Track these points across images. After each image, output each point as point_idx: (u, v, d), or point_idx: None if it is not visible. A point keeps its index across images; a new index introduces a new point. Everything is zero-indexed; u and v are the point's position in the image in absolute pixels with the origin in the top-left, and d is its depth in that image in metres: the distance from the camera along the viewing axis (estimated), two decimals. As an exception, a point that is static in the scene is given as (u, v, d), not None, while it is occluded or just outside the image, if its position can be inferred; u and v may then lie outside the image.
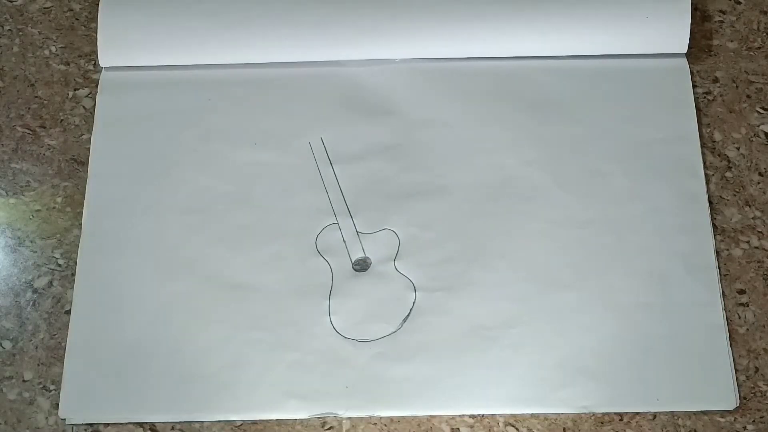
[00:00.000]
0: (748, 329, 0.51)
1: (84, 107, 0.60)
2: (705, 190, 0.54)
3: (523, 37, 0.57)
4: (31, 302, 0.54)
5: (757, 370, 0.51)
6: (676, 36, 0.57)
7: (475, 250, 0.53)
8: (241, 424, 0.51)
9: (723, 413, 0.50)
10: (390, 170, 0.56)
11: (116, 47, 0.58)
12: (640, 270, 0.52)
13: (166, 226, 0.55)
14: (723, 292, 0.52)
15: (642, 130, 0.56)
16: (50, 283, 0.55)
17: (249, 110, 0.58)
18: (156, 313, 0.53)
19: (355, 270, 0.53)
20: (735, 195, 0.55)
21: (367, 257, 0.54)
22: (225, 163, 0.56)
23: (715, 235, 0.54)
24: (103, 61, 0.59)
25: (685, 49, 0.58)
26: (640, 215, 0.54)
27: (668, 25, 0.57)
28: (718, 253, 0.53)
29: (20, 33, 0.62)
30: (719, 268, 0.53)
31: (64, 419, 0.51)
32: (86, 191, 0.56)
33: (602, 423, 0.50)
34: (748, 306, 0.52)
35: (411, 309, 0.52)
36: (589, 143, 0.56)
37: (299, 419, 0.51)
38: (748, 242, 0.54)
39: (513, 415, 0.50)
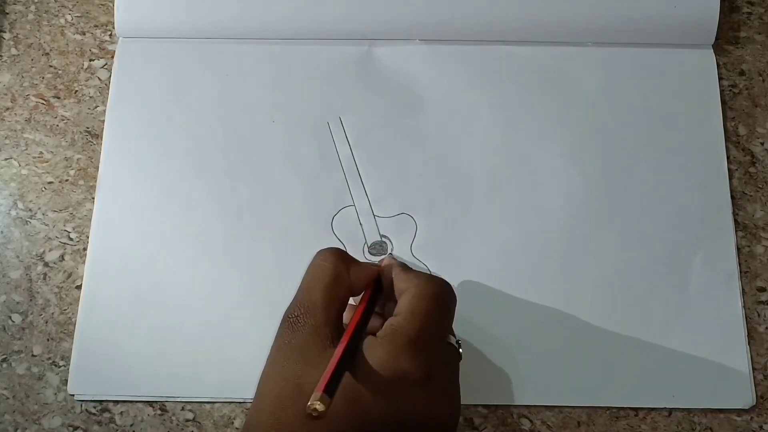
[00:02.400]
0: (767, 328, 0.50)
1: (99, 78, 0.58)
2: (728, 184, 0.53)
3: (549, 22, 0.56)
4: (42, 276, 0.53)
5: (752, 351, 0.50)
6: (704, 27, 0.56)
7: (494, 238, 0.52)
8: (252, 406, 0.50)
9: (739, 412, 0.49)
10: (409, 153, 0.54)
11: (134, 17, 0.56)
12: (659, 264, 0.51)
13: (180, 202, 0.53)
14: (743, 290, 0.51)
15: (665, 121, 0.55)
16: (62, 257, 0.53)
17: (267, 87, 0.56)
18: (169, 291, 0.51)
19: (371, 254, 0.52)
20: (758, 191, 0.54)
21: (384, 241, 0.52)
22: (241, 140, 0.55)
23: (736, 231, 0.52)
24: (120, 31, 0.57)
25: (712, 41, 0.56)
26: (660, 208, 0.53)
27: (696, 15, 0.55)
28: (739, 249, 0.52)
29: (36, 0, 0.60)
30: (740, 265, 0.52)
31: (73, 395, 0.50)
32: (100, 165, 0.55)
33: (617, 418, 0.49)
34: (768, 304, 0.51)
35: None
36: (611, 133, 0.54)
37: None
38: (774, 240, 0.52)
39: (527, 407, 0.49)
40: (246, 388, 0.49)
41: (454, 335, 0.44)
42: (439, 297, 0.42)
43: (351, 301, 0.44)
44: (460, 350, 0.44)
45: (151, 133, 0.55)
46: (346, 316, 0.43)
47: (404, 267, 0.45)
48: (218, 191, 0.53)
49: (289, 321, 0.41)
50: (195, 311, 0.51)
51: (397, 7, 0.56)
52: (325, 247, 0.45)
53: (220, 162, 0.54)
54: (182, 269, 0.52)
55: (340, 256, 0.44)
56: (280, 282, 0.51)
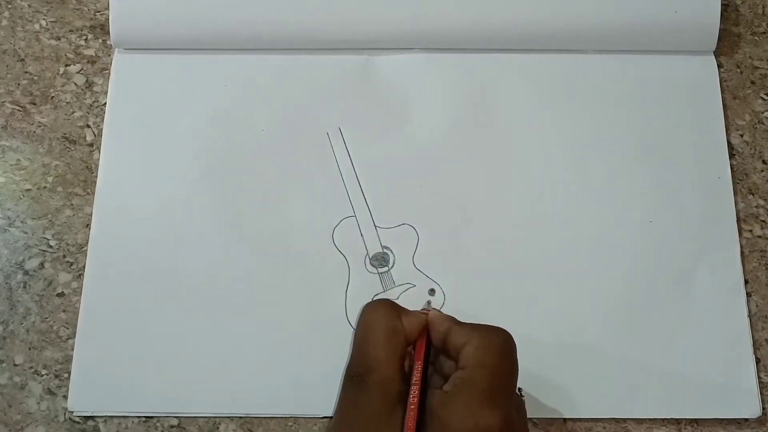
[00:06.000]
0: (750, 319, 0.68)
1: (75, 84, 0.75)
2: (731, 192, 0.71)
3: (549, 30, 0.74)
4: (22, 284, 0.68)
5: (759, 360, 0.67)
6: (705, 33, 0.74)
7: (496, 249, 0.69)
8: (250, 421, 0.65)
9: (747, 422, 0.65)
10: (410, 163, 0.72)
11: (130, 28, 0.73)
12: (663, 274, 0.69)
13: (179, 215, 0.70)
14: (749, 296, 0.68)
15: (667, 128, 0.73)
16: (41, 265, 0.68)
17: (266, 98, 0.74)
18: (169, 305, 0.67)
19: (373, 265, 0.68)
20: (738, 183, 0.72)
21: (386, 253, 0.68)
22: (240, 152, 0.72)
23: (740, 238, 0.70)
24: (116, 42, 0.74)
25: (713, 47, 0.75)
26: (664, 217, 0.70)
27: (697, 21, 0.74)
28: (743, 256, 0.69)
29: (9, 6, 0.77)
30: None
31: (65, 407, 0.65)
32: (98, 178, 0.71)
33: (624, 429, 0.64)
34: (750, 296, 0.69)
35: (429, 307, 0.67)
36: (613, 141, 0.73)
37: (311, 417, 0.65)
38: (750, 231, 0.71)
39: (530, 420, 0.65)
40: (248, 403, 0.65)
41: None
42: (505, 346, 0.56)
43: None
44: (523, 397, 0.59)
45: (149, 145, 0.72)
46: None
47: (456, 320, 0.59)
48: (217, 203, 0.70)
49: (354, 379, 0.56)
50: (194, 326, 0.67)
51: (396, 16, 0.74)
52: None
53: (219, 174, 0.71)
54: (182, 283, 0.68)
55: (390, 306, 0.59)
56: (281, 294, 0.68)
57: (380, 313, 0.57)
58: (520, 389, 0.58)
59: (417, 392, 0.55)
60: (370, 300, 0.67)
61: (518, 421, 0.55)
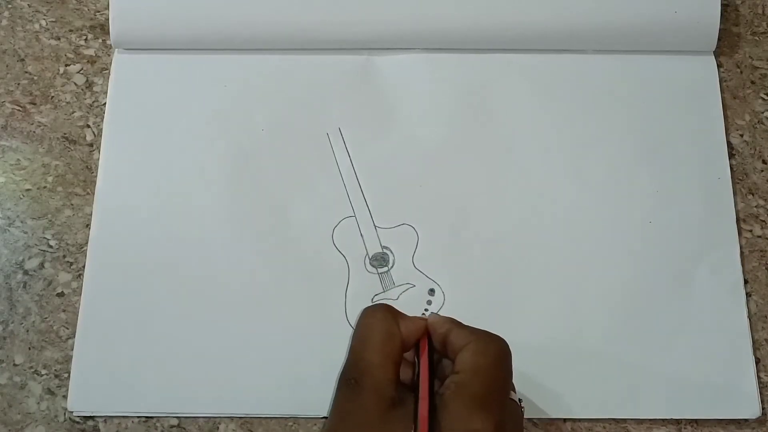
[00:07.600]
0: (750, 320, 0.68)
1: (75, 84, 0.75)
2: (731, 192, 0.71)
3: (549, 30, 0.74)
4: (22, 284, 0.68)
5: (759, 360, 0.67)
6: (705, 33, 0.75)
7: (495, 250, 0.70)
8: (250, 421, 0.65)
9: (746, 422, 0.66)
10: (409, 163, 0.72)
11: (130, 29, 0.74)
12: (663, 274, 0.69)
13: (178, 214, 0.70)
14: (749, 296, 0.69)
15: (667, 129, 0.73)
16: (41, 265, 0.69)
17: (266, 98, 0.74)
18: (168, 305, 0.68)
19: (373, 266, 0.68)
20: (738, 183, 0.73)
21: (386, 253, 0.68)
22: (240, 152, 0.72)
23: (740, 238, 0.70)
24: (116, 43, 0.75)
25: (713, 47, 0.76)
26: (663, 218, 0.71)
27: (697, 22, 0.74)
28: (743, 256, 0.70)
29: (9, 5, 0.78)
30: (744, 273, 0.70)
31: (65, 408, 0.65)
32: (98, 178, 0.71)
33: (623, 429, 0.65)
34: (750, 296, 0.69)
35: (429, 307, 0.67)
36: (612, 141, 0.73)
37: (311, 417, 0.65)
38: (750, 231, 0.71)
39: (530, 420, 0.66)
40: (248, 403, 0.65)
41: (515, 391, 0.59)
42: (502, 354, 0.56)
43: None
44: (523, 407, 0.59)
45: (150, 146, 0.73)
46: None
47: (456, 322, 0.59)
48: (217, 203, 0.71)
49: (348, 383, 0.56)
50: (194, 326, 0.67)
51: (396, 16, 0.75)
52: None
53: (219, 174, 0.72)
54: (181, 283, 0.68)
55: (388, 311, 0.59)
56: (281, 294, 0.68)
57: (377, 318, 0.57)
58: (520, 399, 0.58)
59: (427, 396, 0.54)
60: (369, 300, 0.68)
61: (512, 428, 0.55)
